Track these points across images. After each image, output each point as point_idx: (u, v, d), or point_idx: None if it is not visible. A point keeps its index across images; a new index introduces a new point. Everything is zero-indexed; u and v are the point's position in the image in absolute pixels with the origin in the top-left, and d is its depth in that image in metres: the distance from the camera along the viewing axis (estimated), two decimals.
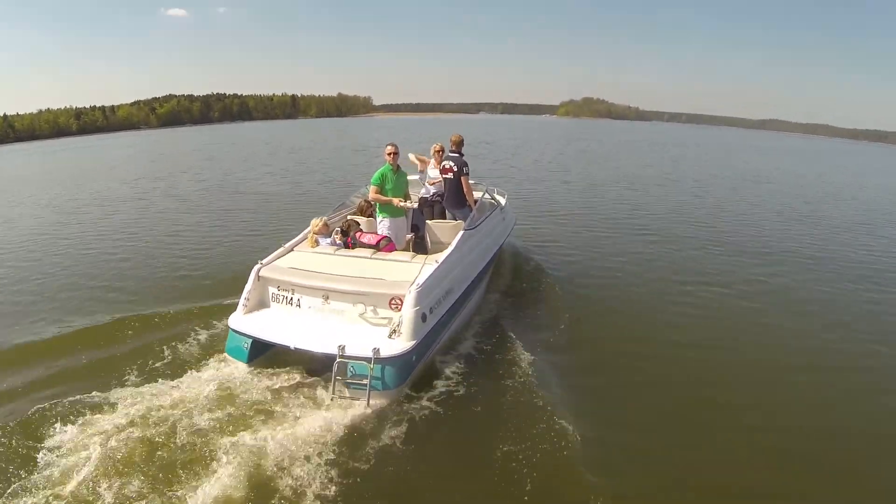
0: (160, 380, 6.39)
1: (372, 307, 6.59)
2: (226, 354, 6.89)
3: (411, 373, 6.21)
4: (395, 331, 6.18)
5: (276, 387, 6.26)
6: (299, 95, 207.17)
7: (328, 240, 7.86)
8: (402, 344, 6.08)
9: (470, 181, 8.82)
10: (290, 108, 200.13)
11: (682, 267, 11.90)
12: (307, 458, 5.05)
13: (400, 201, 8.14)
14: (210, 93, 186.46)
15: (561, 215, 17.05)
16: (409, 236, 9.06)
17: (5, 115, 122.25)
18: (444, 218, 8.99)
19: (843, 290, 10.76)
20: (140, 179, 27.82)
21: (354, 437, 5.43)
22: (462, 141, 8.87)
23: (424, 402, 6.04)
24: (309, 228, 7.97)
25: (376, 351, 5.83)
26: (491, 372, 6.77)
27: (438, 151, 9.28)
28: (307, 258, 7.47)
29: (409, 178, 9.08)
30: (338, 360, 5.86)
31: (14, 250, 13.79)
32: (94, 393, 6.09)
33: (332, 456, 5.13)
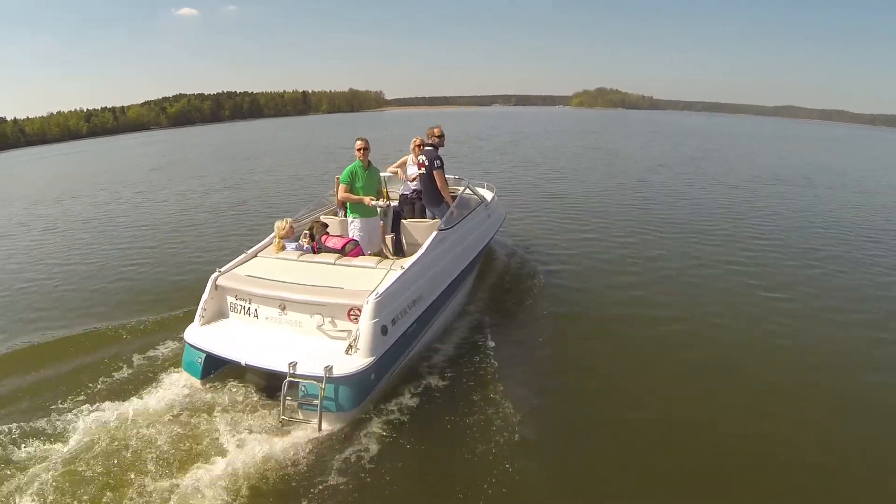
0: (107, 400, 6.09)
1: (330, 318, 6.24)
2: (182, 370, 6.64)
3: (370, 393, 5.84)
4: (351, 346, 5.78)
5: (225, 407, 5.95)
6: (310, 91, 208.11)
7: (293, 244, 7.48)
8: (358, 361, 5.70)
9: (447, 175, 8.44)
10: (301, 104, 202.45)
11: (703, 286, 10.04)
12: (237, 492, 4.72)
13: (372, 200, 7.76)
14: (220, 91, 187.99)
15: (559, 212, 16.32)
16: (390, 237, 8.62)
17: (15, 119, 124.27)
18: (425, 216, 8.55)
19: None
20: (103, 188, 27.06)
21: (299, 467, 5.08)
22: (441, 134, 8.50)
23: (383, 427, 5.63)
24: (274, 232, 7.56)
25: (328, 370, 5.48)
26: (465, 392, 6.30)
27: (418, 146, 8.90)
28: (268, 265, 7.18)
29: (383, 174, 8.70)
30: (288, 378, 5.53)
31: None
32: (34, 416, 5.88)
33: (267, 489, 4.81)
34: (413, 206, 9.00)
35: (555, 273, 10.35)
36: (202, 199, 20.86)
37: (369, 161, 7.97)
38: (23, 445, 5.36)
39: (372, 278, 6.32)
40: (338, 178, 8.11)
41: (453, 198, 8.43)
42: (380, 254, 8.05)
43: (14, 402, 6.38)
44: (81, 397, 6.26)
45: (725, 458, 5.38)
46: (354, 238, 7.74)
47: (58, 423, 5.73)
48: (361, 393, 5.68)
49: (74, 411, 5.91)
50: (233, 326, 6.78)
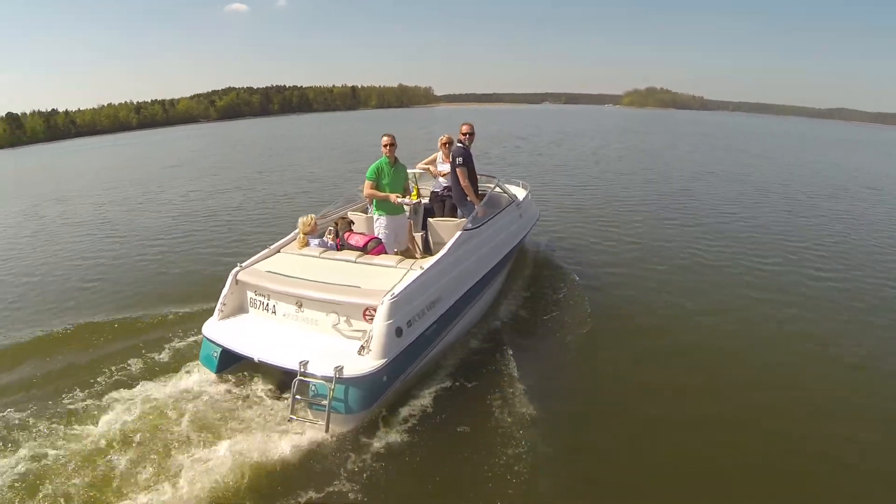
0: (122, 388, 6.35)
1: (345, 318, 6.24)
2: (199, 363, 6.77)
3: (382, 395, 5.79)
4: (364, 346, 5.73)
5: (236, 402, 6.06)
6: (360, 86, 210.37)
7: (317, 240, 7.49)
8: (370, 362, 5.66)
9: (478, 173, 8.38)
10: (350, 99, 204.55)
11: (746, 308, 9.05)
12: (234, 486, 4.79)
13: (398, 197, 7.72)
14: (270, 85, 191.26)
15: (600, 214, 15.83)
16: (419, 235, 8.57)
17: (67, 111, 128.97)
18: (455, 215, 8.45)
19: None
20: (138, 181, 27.80)
21: (301, 466, 5.11)
22: (470, 131, 8.40)
23: (392, 432, 5.59)
24: (298, 228, 7.63)
25: (339, 370, 5.45)
26: (481, 400, 6.17)
27: (445, 144, 8.85)
28: (289, 261, 7.23)
29: (412, 170, 8.65)
30: (298, 377, 5.54)
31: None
32: (52, 402, 6.17)
33: (265, 486, 4.85)
34: (443, 203, 8.93)
35: (588, 279, 10.02)
36: (241, 193, 21.34)
37: (396, 157, 7.92)
38: (34, 428, 5.62)
39: (391, 278, 6.29)
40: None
41: (482, 196, 8.34)
42: (407, 252, 8.01)
43: (37, 386, 6.69)
44: (100, 385, 6.50)
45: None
46: (378, 236, 7.70)
47: (72, 408, 6.00)
48: (372, 395, 5.63)
49: (91, 399, 6.17)
50: (251, 322, 6.85)
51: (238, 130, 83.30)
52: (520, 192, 10.36)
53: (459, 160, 8.08)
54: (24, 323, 8.90)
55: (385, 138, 7.78)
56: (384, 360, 5.66)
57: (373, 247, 7.28)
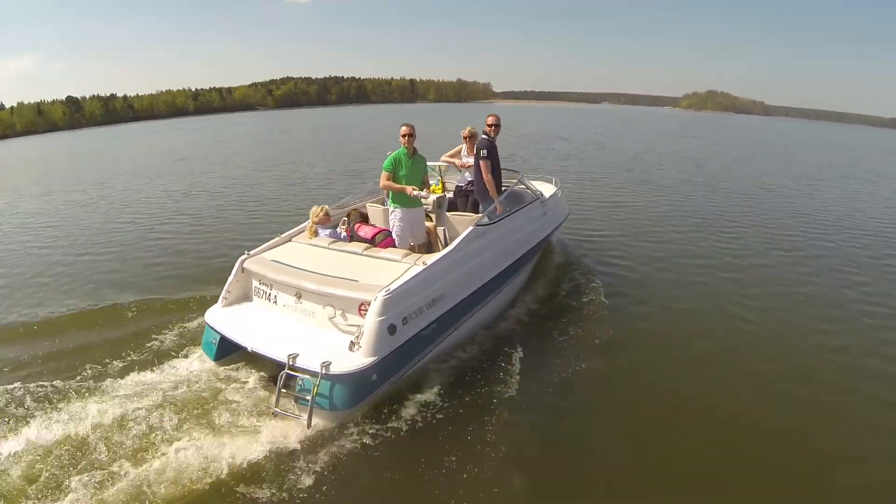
0: (124, 373, 6.58)
1: (341, 311, 6.22)
2: (201, 349, 6.92)
3: (370, 395, 5.73)
4: (353, 343, 5.68)
5: (227, 390, 6.15)
6: (418, 80, 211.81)
7: (328, 230, 7.46)
8: (358, 359, 5.61)
9: (501, 168, 8.21)
10: (408, 92, 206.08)
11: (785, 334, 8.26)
12: (204, 480, 4.82)
13: (414, 190, 7.56)
14: (328, 76, 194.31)
15: (637, 218, 15.37)
16: (442, 229, 8.43)
17: (125, 96, 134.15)
18: (478, 210, 8.29)
19: None
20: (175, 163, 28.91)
21: (275, 460, 5.11)
22: (495, 123, 8.22)
23: (376, 434, 5.51)
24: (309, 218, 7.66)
25: (325, 365, 5.43)
26: (477, 408, 5.99)
27: (467, 137, 8.75)
28: (296, 250, 7.28)
29: (434, 163, 8.54)
30: (285, 370, 5.55)
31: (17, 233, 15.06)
32: (53, 382, 6.36)
33: (234, 476, 4.89)
34: (467, 198, 8.82)
35: (615, 287, 9.61)
36: (287, 182, 21.86)
37: (415, 149, 7.80)
38: (24, 407, 5.89)
39: (392, 272, 6.23)
40: None
41: (505, 192, 8.20)
42: (424, 247, 7.88)
43: (39, 364, 7.00)
44: (99, 367, 6.74)
45: None
46: (387, 229, 7.66)
47: (72, 386, 6.25)
48: (358, 394, 5.57)
49: (89, 380, 6.41)
50: (252, 311, 6.93)
51: (294, 119, 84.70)
52: (547, 189, 10.15)
53: (483, 153, 7.93)
54: (51, 299, 9.39)
55: (404, 128, 7.67)
56: (374, 359, 5.59)
57: (381, 239, 7.25)
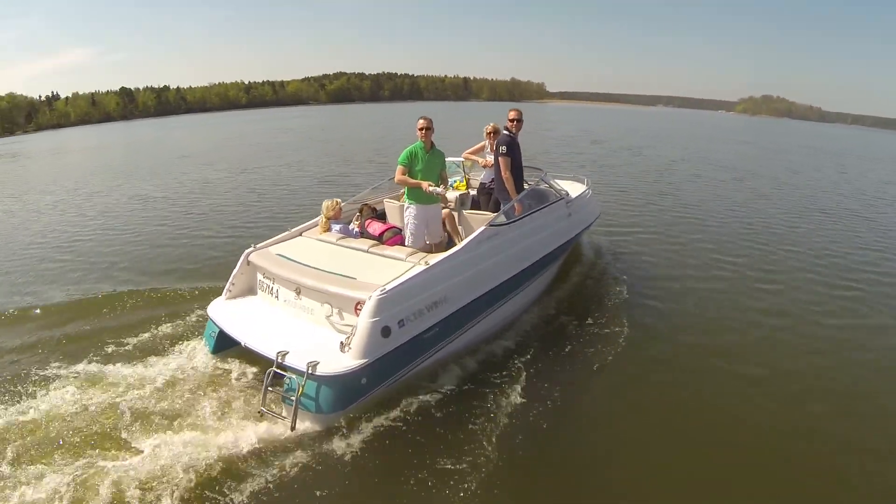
0: (117, 361, 6.64)
1: (338, 310, 6.12)
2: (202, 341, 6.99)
3: (359, 399, 5.58)
4: (344, 343, 5.55)
5: (220, 384, 6.16)
6: (472, 78, 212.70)
7: (339, 225, 7.41)
8: (348, 361, 5.48)
9: (524, 165, 8.03)
10: (461, 90, 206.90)
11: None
12: (179, 477, 4.75)
13: (430, 186, 7.35)
14: (381, 72, 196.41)
15: (676, 225, 14.53)
16: (462, 228, 8.24)
17: (178, 88, 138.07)
18: (500, 209, 8.07)
19: None
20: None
21: (255, 464, 4.99)
22: (517, 118, 8.01)
23: (363, 441, 5.31)
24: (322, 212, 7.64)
25: (312, 366, 5.33)
26: (472, 422, 5.69)
27: (490, 133, 8.58)
28: (304, 245, 7.26)
29: (453, 159, 8.36)
30: (273, 368, 5.50)
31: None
32: (39, 369, 6.50)
33: (208, 476, 4.81)
34: (490, 196, 8.63)
35: (640, 299, 9.09)
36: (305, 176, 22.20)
37: (432, 143, 7.63)
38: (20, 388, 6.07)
39: (394, 271, 6.10)
40: None
41: (525, 190, 7.99)
42: (442, 246, 7.70)
43: (42, 348, 7.20)
44: (103, 353, 6.86)
45: None
46: (396, 226, 7.55)
47: (60, 372, 6.38)
48: (346, 397, 5.45)
49: (85, 365, 6.53)
50: (254, 305, 6.93)
51: (347, 114, 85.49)
52: (576, 189, 9.87)
53: (503, 149, 7.76)
54: (45, 286, 9.75)
55: (421, 121, 7.51)
56: (364, 361, 5.46)
57: (389, 237, 7.13)
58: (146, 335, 7.31)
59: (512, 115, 8.03)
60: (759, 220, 15.66)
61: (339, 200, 7.60)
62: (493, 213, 7.94)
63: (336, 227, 7.45)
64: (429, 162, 7.52)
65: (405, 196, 7.70)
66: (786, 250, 12.46)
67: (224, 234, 13.14)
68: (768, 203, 18.62)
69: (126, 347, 7.02)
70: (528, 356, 6.97)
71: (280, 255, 6.89)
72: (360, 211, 7.77)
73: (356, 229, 7.58)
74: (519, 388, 6.23)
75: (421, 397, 5.94)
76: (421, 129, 7.47)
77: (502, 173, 7.78)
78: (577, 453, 5.45)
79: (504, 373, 6.55)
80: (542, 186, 8.71)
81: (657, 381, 6.80)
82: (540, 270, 8.13)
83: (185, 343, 7.11)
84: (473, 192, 9.13)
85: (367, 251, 6.76)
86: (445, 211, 8.02)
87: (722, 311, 8.96)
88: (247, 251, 7.09)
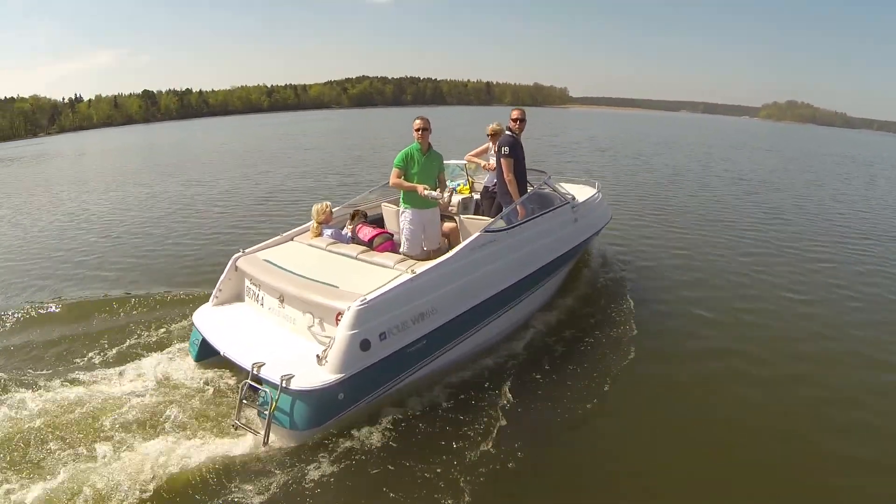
0: (103, 365, 6.61)
1: (319, 320, 5.85)
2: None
3: (336, 415, 5.30)
4: (321, 356, 5.30)
5: (198, 394, 5.97)
6: (494, 83, 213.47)
7: (331, 230, 7.19)
8: (323, 376, 5.21)
9: (527, 167, 7.75)
10: (484, 94, 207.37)
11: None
12: (144, 490, 4.59)
13: (426, 189, 7.00)
14: (404, 76, 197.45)
15: (695, 234, 13.84)
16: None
17: (201, 91, 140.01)
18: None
19: None
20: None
21: (224, 479, 4.76)
22: (519, 118, 7.70)
23: (338, 460, 5.03)
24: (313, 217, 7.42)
25: (286, 379, 5.07)
26: (458, 444, 5.33)
27: (493, 134, 8.35)
28: (293, 250, 7.05)
29: (455, 162, 8.09)
30: (248, 380, 5.28)
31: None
32: (28, 371, 6.54)
33: (173, 489, 4.64)
34: (492, 200, 8.36)
35: (648, 315, 8.51)
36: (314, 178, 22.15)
37: (430, 144, 7.30)
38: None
39: (379, 279, 5.80)
40: None
41: (526, 194, 7.66)
42: (441, 252, 7.34)
43: (22, 351, 7.16)
44: (89, 357, 6.85)
45: None
46: (387, 231, 7.30)
47: (40, 378, 6.30)
48: (322, 413, 5.19)
49: (61, 369, 6.54)
50: (240, 312, 6.74)
51: (369, 118, 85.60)
52: (585, 192, 9.50)
53: (506, 150, 7.46)
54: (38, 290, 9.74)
55: (417, 122, 7.17)
56: (340, 376, 5.18)
57: (379, 243, 6.87)
58: (131, 341, 7.20)
59: (514, 114, 7.73)
60: (776, 236, 14.46)
61: (329, 204, 7.38)
62: (482, 217, 7.70)
63: (328, 231, 7.22)
64: (425, 164, 7.19)
65: (401, 200, 7.44)
66: (813, 268, 11.56)
67: (224, 236, 13.02)
68: (784, 219, 16.87)
69: (108, 353, 6.90)
70: (525, 373, 6.61)
71: (267, 260, 6.68)
72: (352, 216, 7.53)
73: (349, 234, 7.35)
74: (513, 407, 5.88)
75: (405, 415, 5.63)
76: (417, 130, 7.12)
77: (504, 175, 7.49)
78: (576, 485, 5.05)
79: (497, 391, 6.16)
80: (546, 190, 8.34)
81: (669, 415, 6.18)
82: (542, 279, 7.75)
83: (169, 350, 6.94)
84: (477, 196, 8.84)
85: (356, 257, 6.49)
86: (452, 224, 7.79)
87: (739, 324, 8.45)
88: (235, 256, 6.89)
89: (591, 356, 7.17)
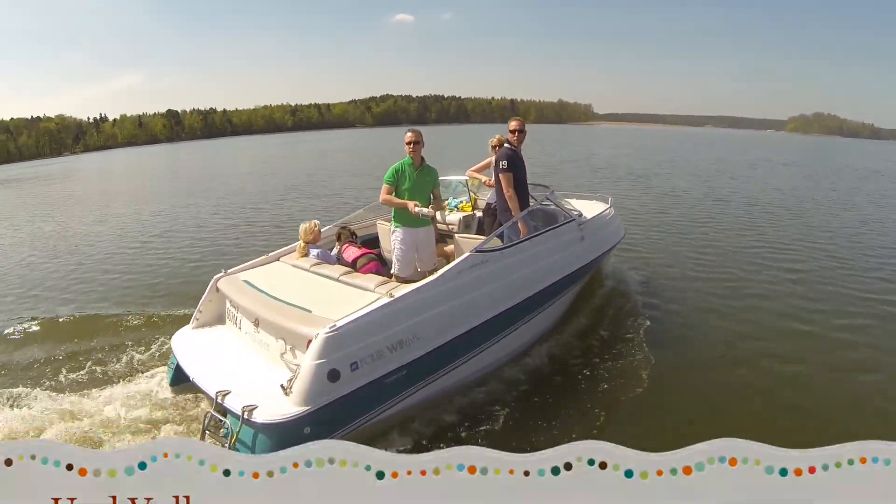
0: (74, 388, 6.40)
1: (291, 346, 5.47)
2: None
3: None
4: (284, 387, 4.93)
5: (165, 421, 5.68)
6: (518, 100, 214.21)
7: (317, 250, 6.89)
8: (287, 408, 4.81)
9: (529, 182, 7.34)
10: (508, 112, 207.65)
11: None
12: None
13: (416, 206, 6.57)
14: (427, 94, 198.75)
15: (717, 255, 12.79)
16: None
17: (225, 110, 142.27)
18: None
19: None
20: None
21: None
22: (518, 129, 7.24)
23: None
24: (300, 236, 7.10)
25: (248, 409, 4.69)
26: None
27: (495, 147, 7.91)
28: (276, 271, 6.73)
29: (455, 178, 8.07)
30: (212, 410, 5.01)
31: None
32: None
33: None
34: (494, 217, 7.83)
35: (665, 342, 7.90)
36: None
37: (423, 158, 6.91)
38: None
39: (356, 304, 5.40)
40: None
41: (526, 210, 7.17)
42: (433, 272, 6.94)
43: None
44: (60, 378, 6.69)
45: None
46: (372, 251, 6.96)
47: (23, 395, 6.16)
48: (285, 448, 4.73)
49: (36, 390, 6.27)
50: (219, 336, 6.44)
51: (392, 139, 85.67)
52: (595, 208, 9.00)
53: (504, 164, 7.02)
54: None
55: (409, 135, 6.80)
56: (306, 409, 4.78)
57: (363, 263, 6.52)
58: (108, 363, 6.96)
59: (513, 125, 7.29)
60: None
61: (317, 223, 7.03)
62: (476, 236, 7.30)
63: (314, 251, 6.88)
64: (417, 180, 6.79)
65: (392, 218, 7.05)
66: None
67: (217, 256, 12.78)
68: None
69: (80, 375, 6.70)
70: (524, 405, 6.16)
71: (246, 281, 6.36)
72: (338, 235, 7.17)
73: (336, 254, 7.02)
74: (506, 443, 5.18)
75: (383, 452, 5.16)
76: (409, 144, 6.73)
77: (504, 191, 7.06)
78: None
79: (486, 426, 5.72)
80: (549, 206, 7.82)
81: None
82: (544, 303, 7.16)
83: (146, 374, 6.67)
84: (480, 214, 8.42)
85: (338, 279, 6.10)
86: (449, 247, 7.41)
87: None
88: (216, 276, 6.58)
89: (598, 388, 6.61)
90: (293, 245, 7.10)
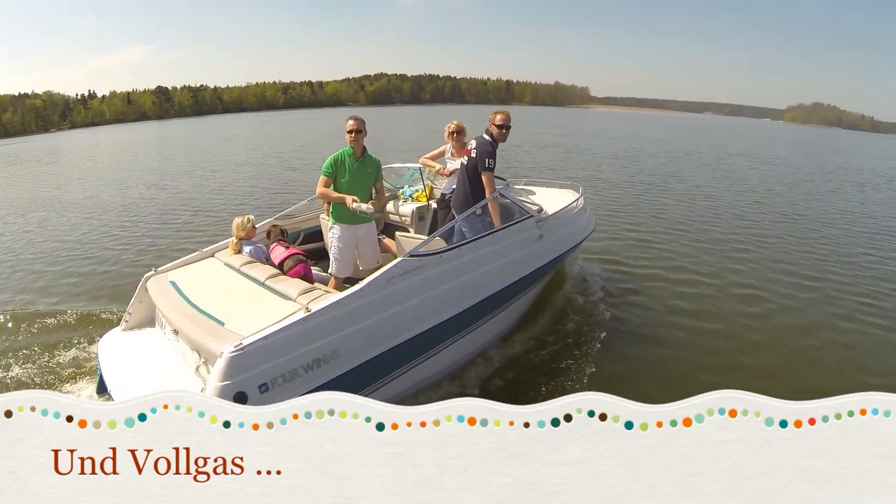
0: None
1: (204, 360, 5.01)
2: None
3: None
4: None
5: None
6: (514, 81, 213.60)
7: (251, 247, 6.49)
8: None
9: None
10: (504, 93, 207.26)
11: None
12: None
13: (355, 201, 6.05)
14: (422, 73, 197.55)
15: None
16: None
17: (215, 88, 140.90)
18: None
19: None
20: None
21: None
22: (504, 124, 6.63)
23: None
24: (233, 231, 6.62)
25: None
26: None
27: (454, 133, 7.41)
28: (204, 270, 6.26)
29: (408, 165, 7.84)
30: None
31: None
32: None
33: None
34: (448, 210, 7.35)
35: (623, 347, 7.56)
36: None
37: (364, 148, 6.35)
38: None
39: (273, 315, 4.93)
40: None
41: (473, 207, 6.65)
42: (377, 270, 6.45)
43: None
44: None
45: None
46: (300, 252, 6.39)
47: None
48: None
49: None
50: (145, 340, 5.94)
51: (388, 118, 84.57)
52: (564, 199, 8.39)
53: (489, 162, 6.44)
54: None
55: (350, 122, 6.19)
56: None
57: (290, 266, 5.99)
58: (36, 364, 6.64)
59: (499, 119, 6.62)
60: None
61: (251, 218, 6.56)
62: (417, 236, 6.88)
63: (247, 248, 6.44)
64: (357, 172, 6.26)
65: (330, 214, 6.55)
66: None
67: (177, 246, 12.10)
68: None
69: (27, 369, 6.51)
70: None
71: (172, 282, 5.91)
72: (268, 233, 6.74)
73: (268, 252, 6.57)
74: None
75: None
76: (350, 132, 6.17)
77: (486, 191, 6.53)
78: None
79: None
80: (504, 201, 7.07)
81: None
82: (492, 311, 6.61)
83: (80, 380, 6.34)
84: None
85: (263, 283, 5.62)
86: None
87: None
88: (146, 275, 6.11)
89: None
90: (229, 240, 6.61)
